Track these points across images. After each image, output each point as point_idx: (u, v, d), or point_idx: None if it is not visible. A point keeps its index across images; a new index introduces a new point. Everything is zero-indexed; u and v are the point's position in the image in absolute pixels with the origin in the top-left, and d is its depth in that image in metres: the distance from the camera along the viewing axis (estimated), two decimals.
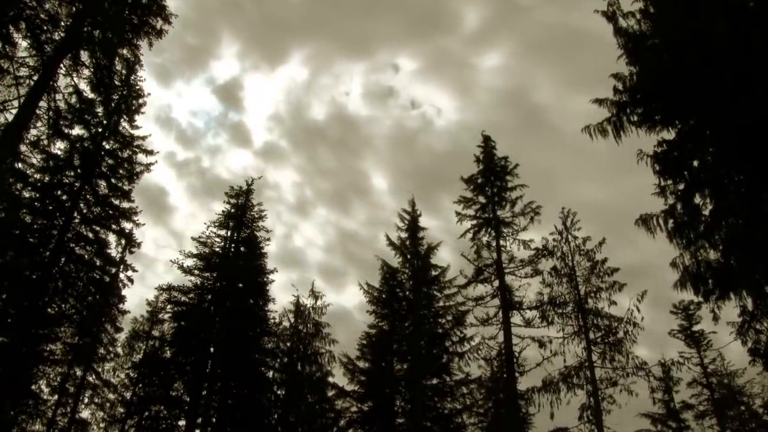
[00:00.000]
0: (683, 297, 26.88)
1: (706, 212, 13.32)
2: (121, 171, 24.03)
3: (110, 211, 23.52)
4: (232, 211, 28.13)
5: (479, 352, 23.57)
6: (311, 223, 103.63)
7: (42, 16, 15.10)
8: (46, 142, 20.37)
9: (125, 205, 23.87)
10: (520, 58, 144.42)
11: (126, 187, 23.95)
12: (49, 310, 21.48)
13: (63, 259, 21.99)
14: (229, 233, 27.67)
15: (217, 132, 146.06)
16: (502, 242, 23.41)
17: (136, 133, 24.71)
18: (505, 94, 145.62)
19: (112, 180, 23.81)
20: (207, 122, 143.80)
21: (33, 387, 22.16)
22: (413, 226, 27.57)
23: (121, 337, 27.59)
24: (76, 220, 22.58)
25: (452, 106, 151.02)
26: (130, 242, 24.32)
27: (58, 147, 22.27)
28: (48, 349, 22.17)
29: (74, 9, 15.62)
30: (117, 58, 17.11)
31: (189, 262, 26.43)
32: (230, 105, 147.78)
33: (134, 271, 24.57)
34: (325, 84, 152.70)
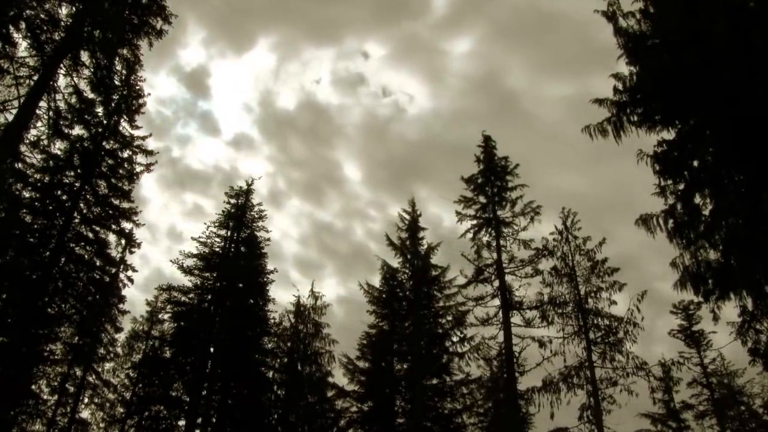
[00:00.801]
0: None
1: (706, 212, 13.33)
2: (121, 171, 24.02)
3: (110, 211, 23.51)
4: (232, 211, 28.15)
5: (479, 352, 23.58)
6: (285, 215, 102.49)
7: (42, 16, 15.12)
8: (46, 142, 20.34)
9: (125, 205, 23.87)
10: (490, 43, 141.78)
11: (126, 187, 23.94)
12: (49, 310, 21.47)
13: (63, 259, 21.98)
14: (229, 233, 27.69)
15: (186, 121, 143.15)
16: (502, 242, 23.42)
17: (136, 133, 24.71)
18: (476, 80, 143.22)
19: (112, 180, 23.80)
20: (175, 111, 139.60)
21: (33, 387, 22.14)
22: (413, 226, 27.57)
23: (121, 337, 27.62)
24: (76, 220, 22.57)
25: (424, 93, 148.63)
26: (130, 242, 24.31)
27: (58, 147, 22.26)
28: (48, 349, 22.16)
29: (74, 9, 15.64)
30: (117, 58, 17.14)
31: (189, 262, 26.49)
32: (198, 93, 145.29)
33: (134, 270, 24.62)
34: (293, 71, 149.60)
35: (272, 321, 27.06)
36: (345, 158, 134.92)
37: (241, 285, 26.50)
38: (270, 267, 27.57)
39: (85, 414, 26.90)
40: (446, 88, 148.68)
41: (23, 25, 14.91)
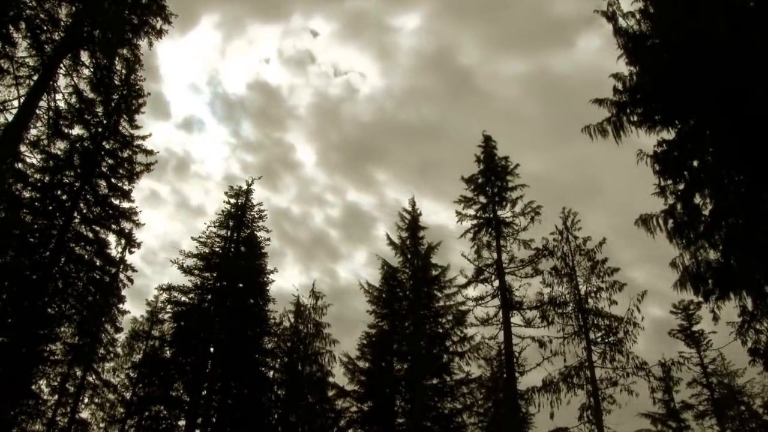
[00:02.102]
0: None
1: (706, 212, 13.32)
2: (121, 171, 24.02)
3: (110, 211, 23.51)
4: (232, 211, 28.15)
5: (479, 351, 23.61)
6: None
7: (42, 16, 15.12)
8: (46, 142, 20.40)
9: (125, 205, 23.89)
10: (440, 18, 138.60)
11: (126, 187, 23.95)
12: (49, 310, 21.47)
13: (63, 259, 21.98)
14: (229, 233, 27.70)
15: None
16: (502, 242, 23.41)
17: (136, 132, 24.73)
18: (428, 58, 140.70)
19: (112, 180, 23.80)
20: None
21: (33, 387, 22.14)
22: (413, 226, 27.57)
23: (121, 337, 27.59)
24: (76, 220, 22.57)
25: (375, 72, 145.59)
26: (130, 242, 24.31)
27: (58, 147, 22.29)
28: (48, 349, 22.15)
29: (74, 9, 15.64)
30: (117, 58, 17.14)
31: (189, 262, 26.49)
32: (144, 74, 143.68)
33: (134, 270, 24.66)
34: (239, 50, 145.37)
35: (272, 321, 27.06)
36: (298, 141, 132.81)
37: (241, 285, 26.49)
38: (270, 267, 27.63)
39: (85, 414, 26.91)
40: (397, 66, 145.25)
41: (23, 25, 14.92)
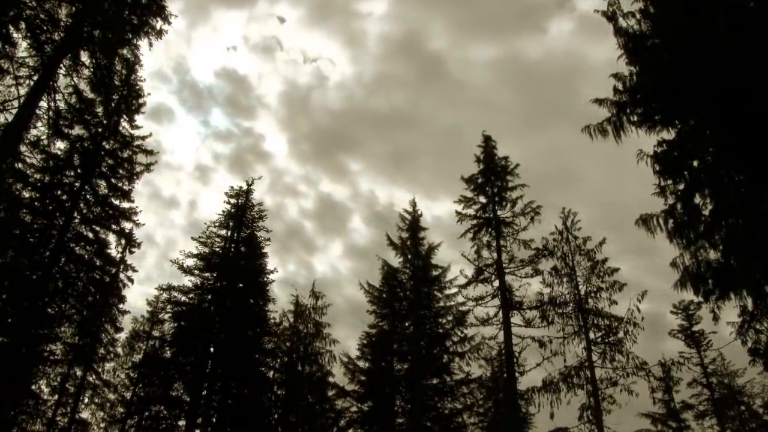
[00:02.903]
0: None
1: (706, 212, 13.32)
2: (121, 171, 24.03)
3: (110, 211, 23.51)
4: (232, 211, 28.17)
5: (479, 352, 23.61)
6: (214, 191, 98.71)
7: (42, 16, 15.11)
8: (46, 142, 20.36)
9: (125, 205, 23.89)
10: (408, 3, 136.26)
11: (126, 187, 23.95)
12: (49, 310, 21.47)
13: (63, 259, 21.98)
14: (229, 233, 27.71)
15: None
16: (502, 242, 23.41)
17: (136, 133, 24.74)
18: (397, 43, 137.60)
19: (112, 180, 23.80)
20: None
21: (33, 387, 22.15)
22: (414, 226, 27.59)
23: (121, 337, 27.61)
24: (76, 220, 22.57)
25: (344, 58, 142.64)
26: (130, 242, 24.33)
27: (58, 147, 22.28)
28: (48, 349, 22.16)
29: (74, 9, 15.62)
30: (117, 58, 17.12)
31: (189, 262, 26.52)
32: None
33: (134, 270, 24.65)
34: (205, 37, 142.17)
35: (272, 321, 27.08)
36: (269, 130, 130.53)
37: (241, 285, 26.50)
38: (270, 267, 27.65)
39: (85, 414, 26.91)
40: (367, 52, 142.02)
41: (23, 25, 14.91)
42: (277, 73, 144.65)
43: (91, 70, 16.47)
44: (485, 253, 23.43)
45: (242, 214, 28.19)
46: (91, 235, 22.92)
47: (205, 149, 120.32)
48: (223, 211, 28.11)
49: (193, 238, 27.28)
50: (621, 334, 20.89)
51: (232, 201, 28.45)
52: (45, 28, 15.14)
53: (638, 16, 14.75)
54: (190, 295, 26.18)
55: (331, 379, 25.92)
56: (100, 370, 25.56)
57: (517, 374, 21.09)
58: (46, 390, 23.12)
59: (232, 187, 28.93)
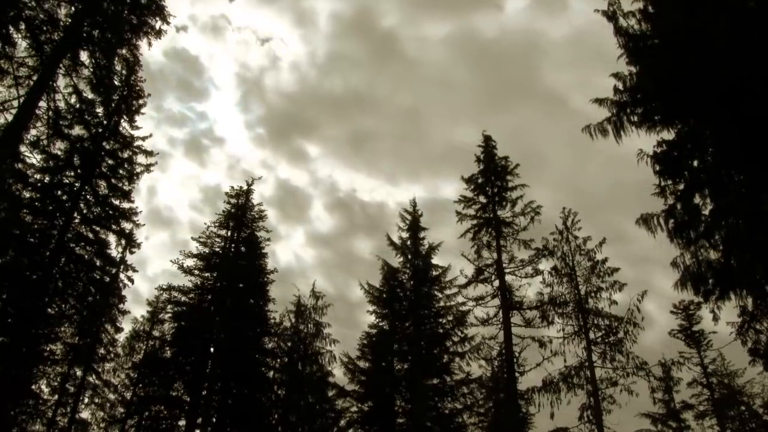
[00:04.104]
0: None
1: (706, 212, 13.32)
2: (121, 171, 24.02)
3: (110, 212, 23.50)
4: (233, 211, 28.19)
5: (479, 352, 23.59)
6: (171, 178, 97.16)
7: (41, 16, 15.11)
8: (46, 142, 20.37)
9: (125, 205, 23.86)
10: None
11: (126, 188, 23.93)
12: (49, 310, 21.48)
13: (63, 259, 21.98)
14: (229, 233, 27.72)
15: None
16: (502, 242, 23.40)
17: (136, 133, 24.74)
18: (348, 21, 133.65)
19: (112, 180, 23.79)
20: None
21: (33, 387, 22.16)
22: (414, 226, 27.57)
23: (122, 337, 27.61)
24: (76, 220, 22.57)
25: (295, 38, 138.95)
26: (130, 242, 24.33)
27: (58, 147, 22.26)
28: (48, 349, 22.16)
29: (73, 9, 15.62)
30: (116, 59, 17.12)
31: (189, 262, 26.52)
32: None
33: (134, 271, 24.66)
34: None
35: (272, 321, 27.08)
36: (223, 113, 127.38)
37: (241, 285, 26.49)
38: (270, 266, 27.66)
39: (85, 414, 26.98)
40: (318, 32, 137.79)
41: (23, 25, 14.91)
42: (228, 55, 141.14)
43: (91, 70, 16.47)
44: (485, 253, 23.46)
45: (242, 214, 28.20)
46: (91, 235, 22.92)
47: (160, 135, 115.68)
48: (223, 211, 28.16)
49: (193, 238, 27.38)
50: (621, 334, 20.90)
51: (232, 201, 28.48)
52: (44, 28, 15.14)
53: (638, 16, 14.75)
54: (190, 295, 26.18)
55: (331, 379, 25.96)
56: (100, 370, 25.60)
57: (517, 374, 21.09)
58: (46, 390, 23.17)
59: (232, 187, 29.02)
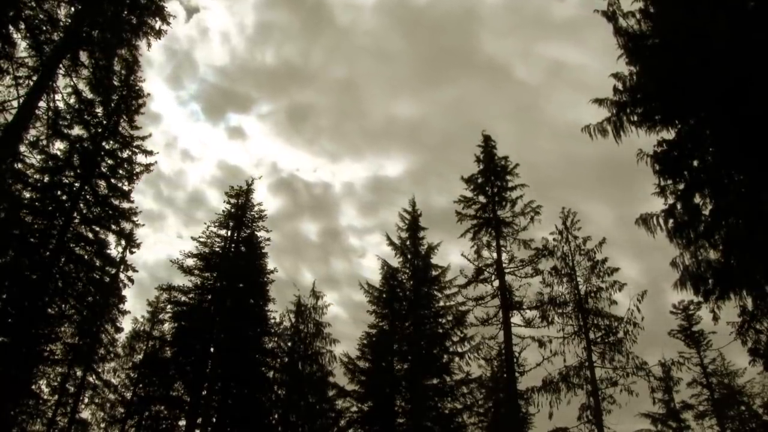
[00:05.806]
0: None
1: (706, 212, 13.31)
2: (120, 171, 24.02)
3: (110, 212, 23.51)
4: (233, 210, 28.18)
5: (479, 352, 23.58)
6: None
7: (41, 16, 15.09)
8: (45, 142, 20.34)
9: (125, 205, 23.88)
10: None
11: (126, 188, 23.95)
12: (49, 310, 21.48)
13: (63, 259, 21.98)
14: (229, 233, 27.73)
15: None
16: (502, 242, 23.39)
17: (135, 133, 24.75)
18: None
19: (112, 180, 23.80)
20: None
21: (33, 387, 22.16)
22: (414, 226, 27.58)
23: (122, 337, 27.63)
24: (76, 220, 22.57)
25: (222, 8, 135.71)
26: (130, 242, 24.34)
27: (58, 147, 22.32)
28: (48, 349, 22.16)
29: (73, 9, 15.62)
30: (116, 59, 17.11)
31: (189, 262, 26.53)
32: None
33: (134, 271, 24.67)
34: None
35: (272, 321, 27.10)
36: (156, 90, 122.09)
37: (241, 285, 26.50)
38: (270, 266, 27.65)
39: (85, 414, 26.95)
40: (244, 1, 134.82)
41: (23, 25, 14.89)
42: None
43: (91, 70, 16.45)
44: (485, 253, 23.44)
45: (242, 214, 28.20)
46: (91, 235, 22.92)
47: None
48: (223, 211, 28.16)
49: (193, 238, 27.37)
50: (621, 334, 20.88)
51: (232, 201, 28.48)
52: (44, 28, 15.12)
53: (638, 15, 14.73)
54: (190, 295, 26.19)
55: (331, 379, 25.96)
56: (100, 370, 25.58)
57: (517, 374, 21.08)
58: (46, 390, 23.19)
59: (232, 187, 29.03)
